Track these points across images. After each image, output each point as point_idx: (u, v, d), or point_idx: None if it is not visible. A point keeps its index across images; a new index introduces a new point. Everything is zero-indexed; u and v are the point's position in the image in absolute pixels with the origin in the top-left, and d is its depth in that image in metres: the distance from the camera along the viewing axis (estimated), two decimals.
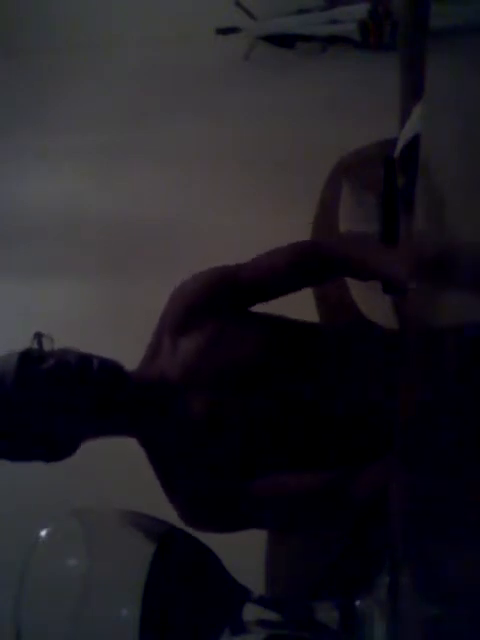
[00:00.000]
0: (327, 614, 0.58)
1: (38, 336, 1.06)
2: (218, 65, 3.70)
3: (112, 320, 2.29)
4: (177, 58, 3.78)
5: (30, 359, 1.03)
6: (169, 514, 0.64)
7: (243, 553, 1.07)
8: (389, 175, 1.53)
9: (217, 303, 1.11)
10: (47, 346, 1.06)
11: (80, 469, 1.96)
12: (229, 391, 1.07)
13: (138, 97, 3.63)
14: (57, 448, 1.07)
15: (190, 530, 0.63)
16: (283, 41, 3.69)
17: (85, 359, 1.04)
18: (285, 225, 2.34)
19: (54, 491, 1.79)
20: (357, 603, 0.58)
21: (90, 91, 3.76)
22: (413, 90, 1.65)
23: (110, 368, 1.06)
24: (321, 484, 1.06)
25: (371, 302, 1.41)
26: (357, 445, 1.08)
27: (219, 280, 1.12)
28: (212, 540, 0.62)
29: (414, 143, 1.37)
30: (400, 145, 1.48)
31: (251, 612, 0.58)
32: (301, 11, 3.62)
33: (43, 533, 0.59)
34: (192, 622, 0.58)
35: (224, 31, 3.68)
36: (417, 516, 0.52)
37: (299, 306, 1.18)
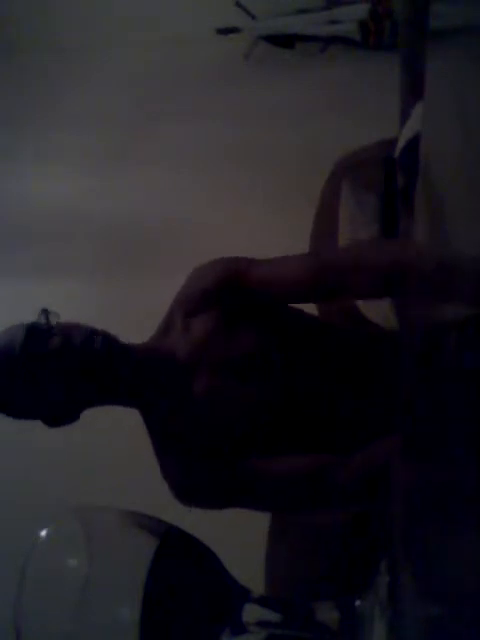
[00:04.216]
0: (327, 614, 0.58)
1: (45, 312, 1.09)
2: (218, 65, 3.69)
3: (112, 320, 2.29)
4: (177, 58, 3.78)
5: (37, 333, 1.07)
6: (169, 514, 0.64)
7: (243, 553, 1.07)
8: (389, 175, 1.53)
9: (228, 292, 1.13)
10: (53, 321, 1.10)
11: (80, 469, 1.96)
12: (230, 377, 1.10)
13: (138, 97, 3.62)
14: (59, 414, 1.11)
15: (187, 531, 0.63)
16: (283, 41, 3.69)
17: (89, 339, 1.08)
18: (285, 225, 2.34)
19: (54, 491, 1.79)
20: (357, 603, 0.58)
21: (90, 91, 3.76)
22: (413, 90, 1.65)
23: (111, 344, 1.10)
24: (311, 466, 1.09)
25: (371, 302, 1.41)
26: (353, 441, 1.09)
27: (233, 271, 1.14)
28: (212, 540, 0.62)
29: (414, 143, 1.37)
30: (400, 145, 1.48)
31: (251, 612, 0.58)
32: (301, 11, 3.62)
33: (43, 533, 0.59)
34: (192, 622, 0.58)
35: (224, 31, 3.68)
36: (417, 516, 0.52)
37: (298, 305, 1.18)
